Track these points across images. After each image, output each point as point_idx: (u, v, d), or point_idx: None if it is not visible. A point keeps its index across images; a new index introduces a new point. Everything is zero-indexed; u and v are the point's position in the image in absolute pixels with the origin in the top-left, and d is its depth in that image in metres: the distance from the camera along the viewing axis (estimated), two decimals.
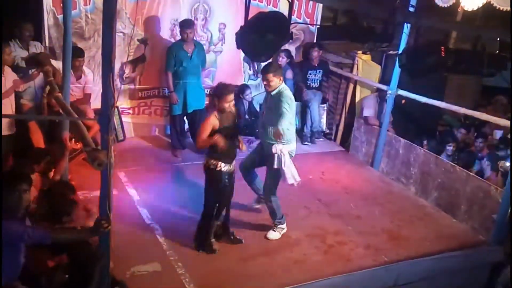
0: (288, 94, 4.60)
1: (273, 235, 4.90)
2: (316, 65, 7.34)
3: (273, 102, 4.59)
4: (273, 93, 4.61)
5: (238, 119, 4.71)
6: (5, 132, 5.02)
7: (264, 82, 4.63)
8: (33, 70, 5.32)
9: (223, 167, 4.37)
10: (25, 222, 3.28)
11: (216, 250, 4.54)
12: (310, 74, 7.36)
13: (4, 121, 5.00)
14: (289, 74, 7.21)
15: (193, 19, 6.62)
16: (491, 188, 5.30)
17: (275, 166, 4.59)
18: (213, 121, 4.31)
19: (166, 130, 7.09)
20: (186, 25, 6.25)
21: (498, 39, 4.94)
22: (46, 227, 3.53)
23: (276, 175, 4.69)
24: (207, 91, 6.95)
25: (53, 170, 4.68)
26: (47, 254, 3.65)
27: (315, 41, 7.52)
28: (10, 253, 3.13)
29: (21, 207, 3.23)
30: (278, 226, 4.91)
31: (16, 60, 5.31)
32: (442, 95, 7.25)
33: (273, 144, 4.56)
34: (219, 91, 4.38)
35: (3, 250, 3.02)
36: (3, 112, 4.92)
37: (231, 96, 4.36)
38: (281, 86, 4.62)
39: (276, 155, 4.56)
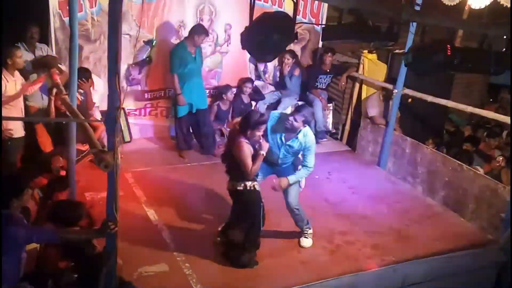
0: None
1: (307, 242, 4.86)
2: (328, 70, 7.31)
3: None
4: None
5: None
6: (17, 134, 5.07)
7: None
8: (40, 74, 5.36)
9: (257, 185, 4.34)
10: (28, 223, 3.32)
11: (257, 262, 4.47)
12: (321, 78, 7.34)
13: (16, 123, 5.04)
14: (297, 71, 7.21)
15: (198, 20, 6.64)
16: (499, 186, 5.27)
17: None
18: (248, 148, 4.17)
19: (171, 132, 7.10)
20: (203, 32, 6.22)
21: (505, 37, 4.90)
22: (54, 228, 3.55)
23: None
24: (207, 91, 6.98)
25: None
26: (56, 255, 3.66)
27: (320, 41, 7.50)
28: (12, 257, 3.15)
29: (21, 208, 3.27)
30: (308, 232, 4.88)
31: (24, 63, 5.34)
32: (449, 94, 7.21)
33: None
34: (254, 121, 4.16)
35: (7, 255, 3.04)
36: (15, 114, 4.96)
37: (264, 126, 4.29)
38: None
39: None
